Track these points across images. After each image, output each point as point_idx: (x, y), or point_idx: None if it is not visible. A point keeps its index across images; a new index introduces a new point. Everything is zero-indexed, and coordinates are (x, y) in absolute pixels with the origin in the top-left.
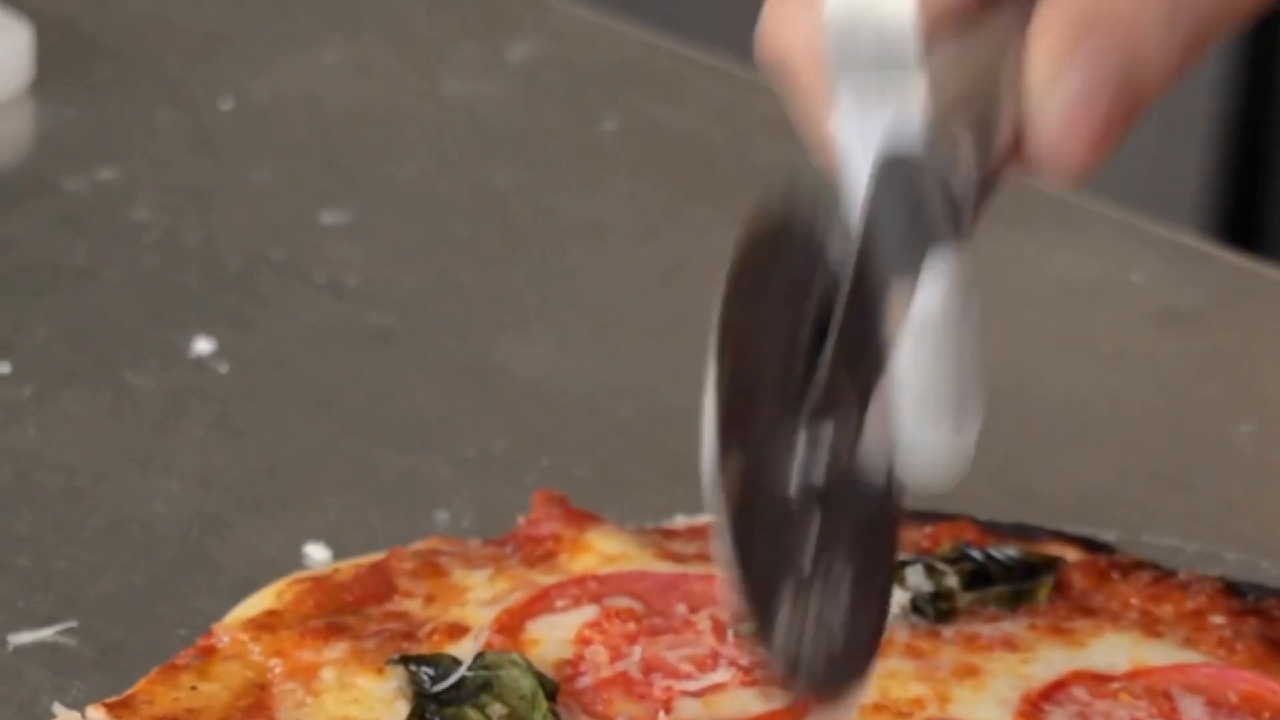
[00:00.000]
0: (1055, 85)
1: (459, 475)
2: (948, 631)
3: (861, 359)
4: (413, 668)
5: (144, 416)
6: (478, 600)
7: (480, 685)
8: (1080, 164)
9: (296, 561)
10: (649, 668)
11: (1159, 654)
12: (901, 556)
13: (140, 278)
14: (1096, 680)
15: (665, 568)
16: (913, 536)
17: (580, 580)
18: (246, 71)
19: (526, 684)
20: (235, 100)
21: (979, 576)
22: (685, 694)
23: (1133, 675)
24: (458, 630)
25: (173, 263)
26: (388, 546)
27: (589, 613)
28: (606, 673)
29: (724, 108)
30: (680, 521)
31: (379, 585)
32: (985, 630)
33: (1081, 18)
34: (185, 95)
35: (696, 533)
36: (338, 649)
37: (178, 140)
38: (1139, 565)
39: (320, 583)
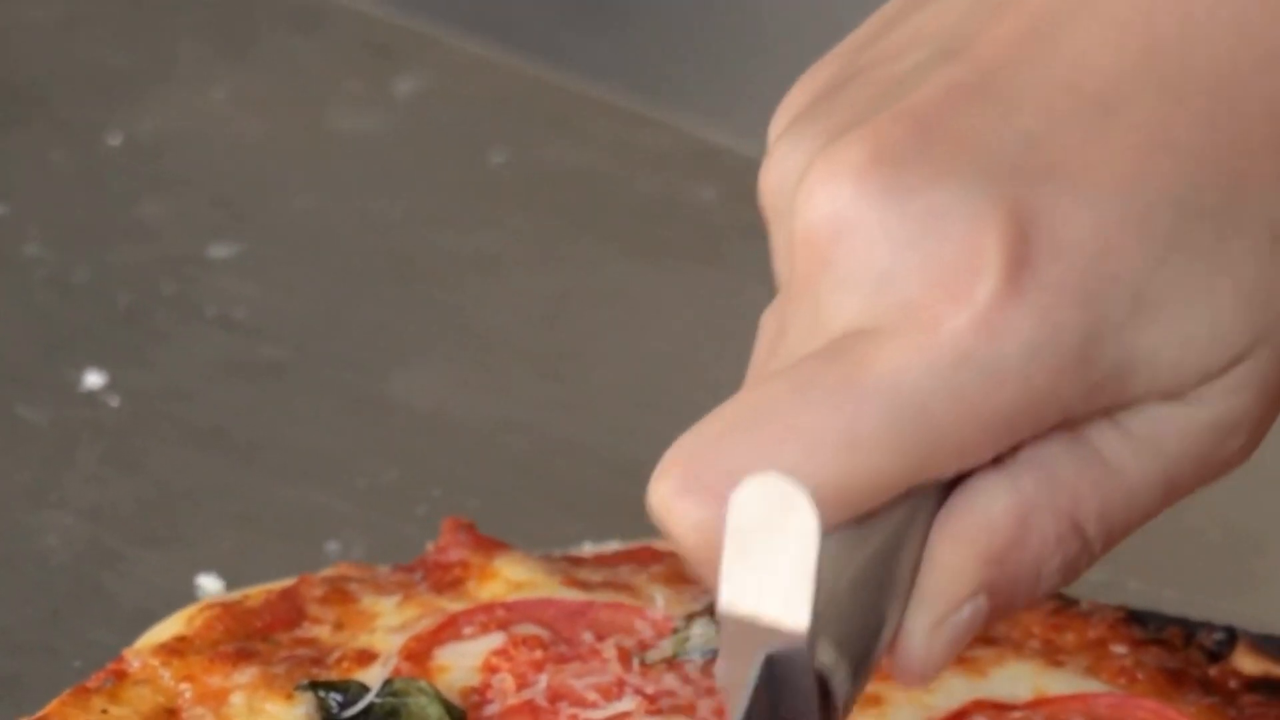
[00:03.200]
0: (941, 623)
1: (350, 507)
2: None
3: None
4: (321, 694)
5: (36, 451)
6: (386, 627)
7: (388, 712)
8: (931, 678)
9: (190, 592)
10: (555, 696)
11: (1060, 683)
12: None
13: (31, 313)
14: (998, 709)
15: (572, 595)
16: None
17: (488, 607)
18: (135, 107)
19: (434, 711)
20: (124, 135)
21: None
22: None
23: (1034, 704)
24: (366, 657)
25: (63, 297)
26: (280, 577)
27: (496, 640)
28: (513, 700)
29: (612, 142)
30: (588, 549)
31: (288, 611)
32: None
33: (988, 556)
34: (74, 131)
35: (603, 560)
36: (247, 674)
37: (67, 176)
38: None
39: (230, 608)
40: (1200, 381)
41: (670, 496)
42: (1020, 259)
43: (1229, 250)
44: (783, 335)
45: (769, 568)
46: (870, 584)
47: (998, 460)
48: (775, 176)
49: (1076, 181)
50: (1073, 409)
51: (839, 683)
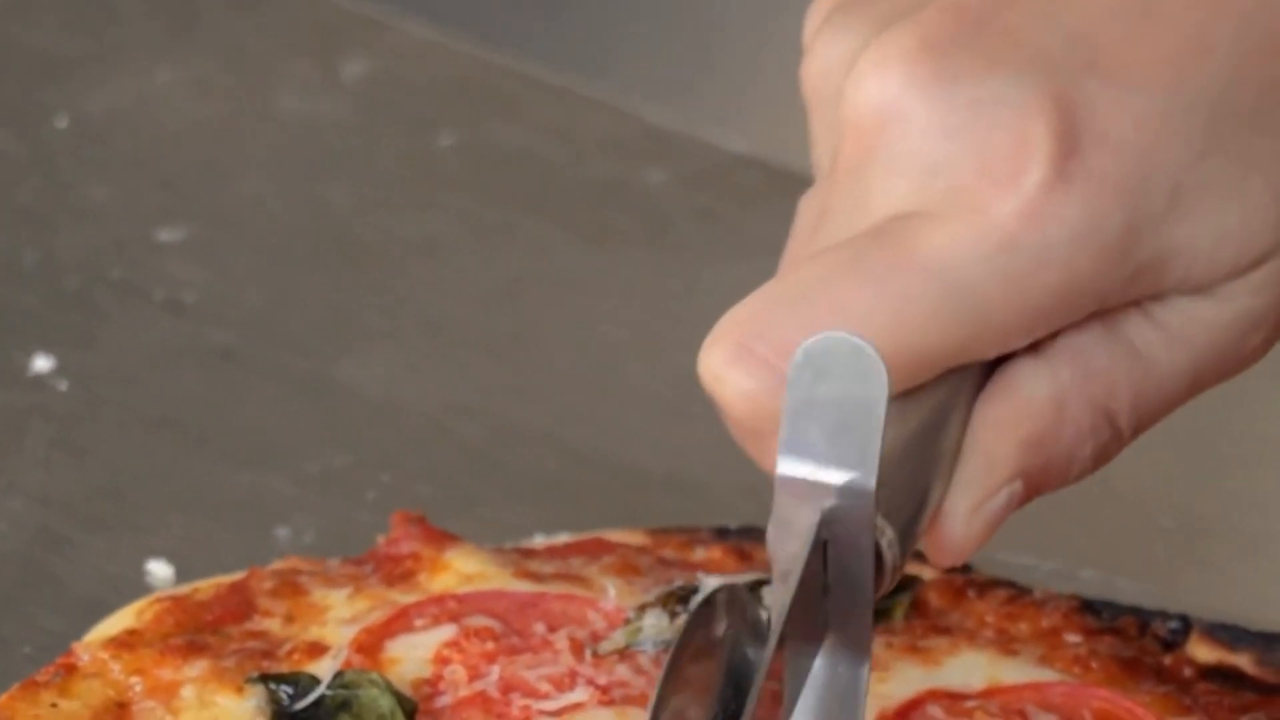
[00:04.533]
0: (980, 506)
1: (301, 492)
2: None
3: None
4: (272, 686)
5: None
6: (337, 619)
7: (339, 704)
8: (966, 559)
9: (140, 578)
10: (507, 687)
11: (1014, 672)
12: (759, 575)
13: None
14: (952, 699)
15: (524, 587)
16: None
17: (439, 599)
18: (81, 90)
19: (385, 703)
20: (70, 119)
21: None
22: (543, 713)
23: (988, 694)
24: (317, 649)
25: (10, 281)
26: (230, 563)
27: (448, 632)
28: (465, 692)
29: (561, 125)
30: (539, 541)
31: (239, 604)
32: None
33: (1026, 442)
34: (19, 114)
35: (555, 552)
36: (198, 667)
37: (13, 160)
38: (995, 584)
39: (180, 602)
40: (1230, 276)
41: (721, 366)
42: (1068, 149)
43: (1261, 150)
44: (825, 218)
45: (833, 426)
46: (913, 459)
47: (1035, 347)
48: (820, 63)
49: (1120, 78)
50: (1110, 298)
51: (888, 548)
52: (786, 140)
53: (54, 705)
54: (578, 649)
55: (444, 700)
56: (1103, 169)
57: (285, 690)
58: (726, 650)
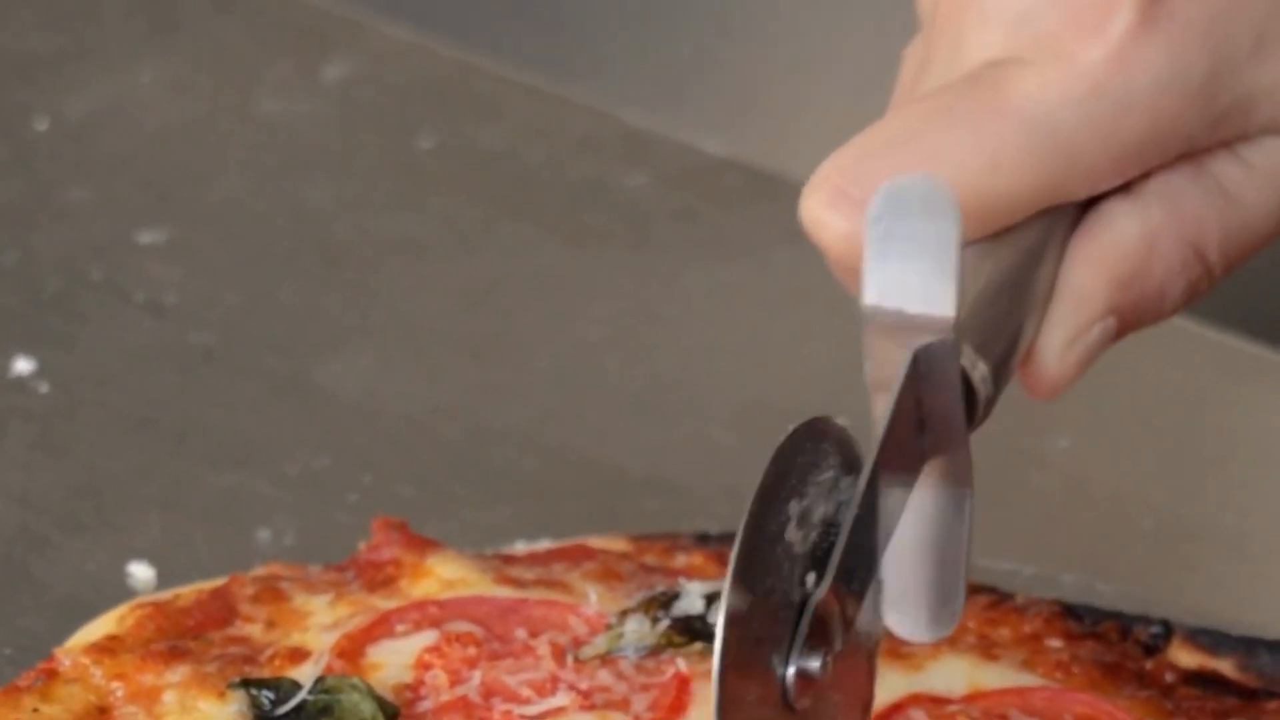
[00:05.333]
0: (1073, 341)
1: (281, 493)
2: None
3: (870, 545)
4: (254, 691)
5: None
6: (318, 625)
7: (321, 709)
8: (1062, 392)
9: (121, 580)
10: (489, 692)
11: (996, 677)
12: None
13: None
14: (935, 703)
15: (505, 593)
16: None
17: (420, 605)
18: (61, 91)
19: (367, 708)
20: (50, 120)
21: None
22: (525, 718)
23: (970, 698)
24: (299, 654)
25: None
26: (211, 564)
27: (429, 637)
28: (446, 697)
29: (539, 126)
30: (520, 547)
31: (220, 610)
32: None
33: (1119, 279)
34: (0, 116)
35: (536, 558)
36: (179, 672)
37: None
38: (977, 589)
39: (161, 608)
40: None
41: (819, 209)
42: None
43: None
44: (925, 67)
45: (913, 264)
46: (1006, 296)
47: (1126, 188)
48: None
49: None
50: (1196, 140)
51: (980, 381)
52: (765, 142)
53: (35, 710)
54: (559, 654)
55: (425, 705)
56: (1187, 14)
57: (267, 695)
58: (826, 475)
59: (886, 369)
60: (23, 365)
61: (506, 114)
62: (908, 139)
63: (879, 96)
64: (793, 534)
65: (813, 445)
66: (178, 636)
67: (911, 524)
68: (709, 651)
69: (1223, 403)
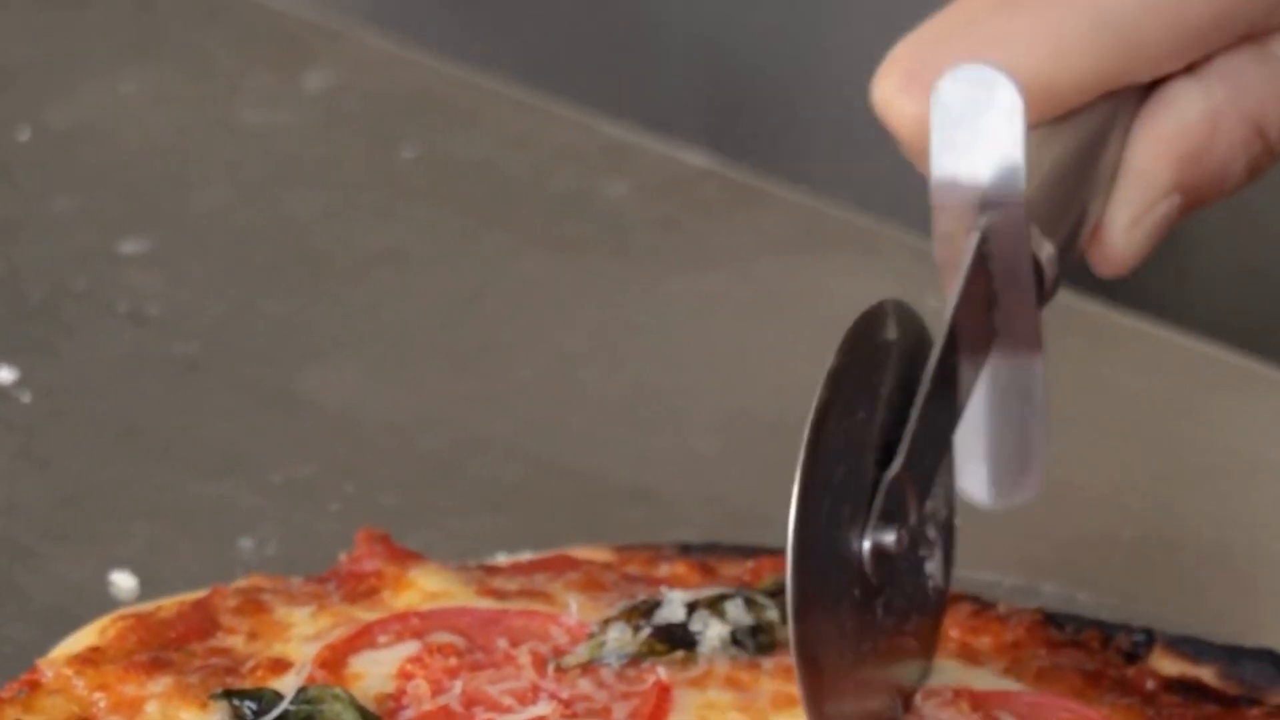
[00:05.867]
0: (1139, 219)
1: (264, 503)
2: (767, 663)
3: (942, 422)
4: (236, 702)
5: None
6: (300, 636)
7: (303, 719)
8: (1130, 270)
9: (104, 589)
10: (470, 701)
11: (980, 680)
12: (723, 590)
13: None
14: (926, 693)
15: (487, 604)
16: (734, 570)
17: (402, 616)
18: (43, 102)
19: (349, 717)
20: (32, 131)
21: None
22: None
23: (959, 693)
24: (280, 665)
25: None
26: (195, 572)
27: (411, 648)
28: (428, 706)
29: (520, 136)
30: (503, 558)
31: (202, 622)
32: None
33: (1182, 157)
34: None
35: (519, 568)
36: (162, 683)
37: None
38: (959, 597)
39: (143, 619)
40: None
41: (891, 94)
42: None
43: None
44: None
45: (980, 146)
46: (1071, 179)
47: (1190, 69)
48: None
49: None
50: (1258, 22)
51: (1047, 260)
52: (745, 152)
53: None
54: (540, 664)
55: (407, 715)
56: None
57: (249, 706)
58: (895, 357)
59: (954, 249)
60: (5, 375)
61: (488, 124)
62: (974, 25)
63: (861, 105)
64: (864, 414)
65: (882, 328)
66: (160, 648)
67: (986, 397)
68: (690, 659)
69: (1204, 413)
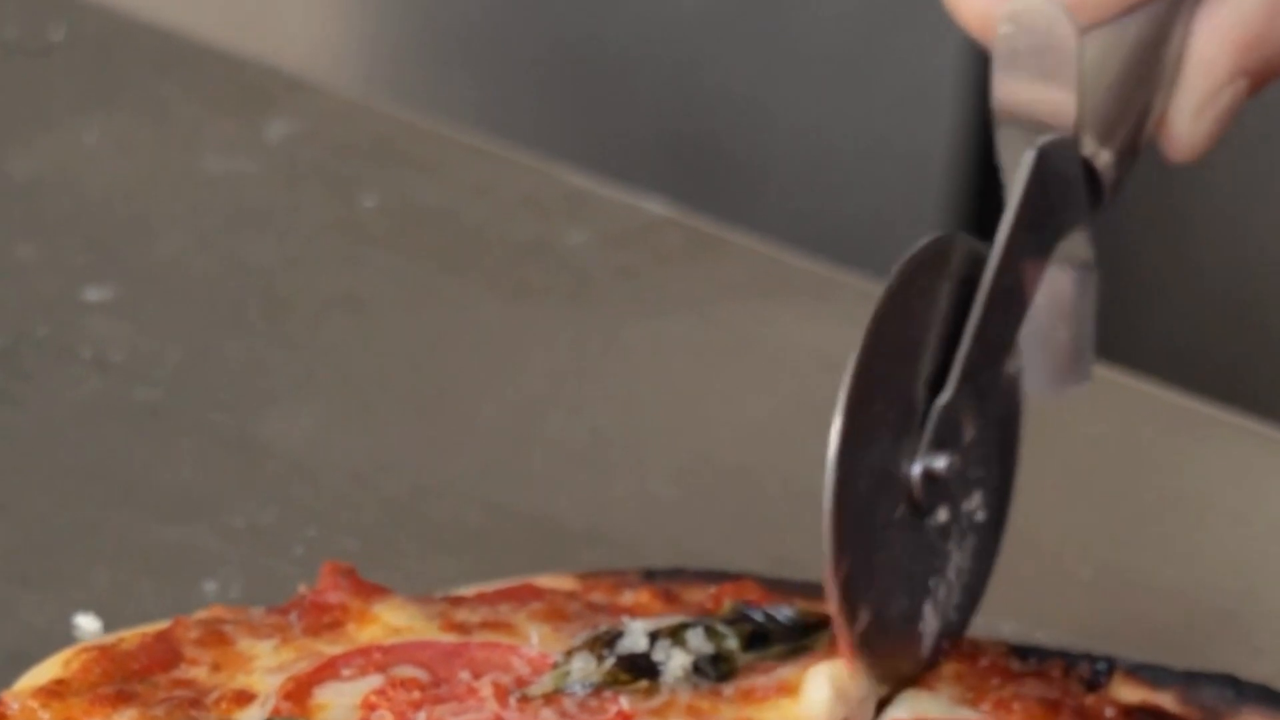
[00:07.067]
0: (1204, 107)
1: (227, 546)
2: (728, 689)
3: (1001, 336)
4: None
5: None
6: (264, 668)
7: None
8: (1201, 155)
9: (67, 632)
10: None
11: (939, 709)
12: (684, 619)
13: None
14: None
15: (449, 638)
16: (696, 597)
17: (365, 650)
18: (6, 151)
19: None
20: None
21: (758, 636)
22: None
23: None
24: (245, 697)
25: None
26: (158, 616)
27: (375, 681)
28: None
29: (480, 184)
30: (470, 589)
31: (165, 653)
32: (762, 681)
33: (1243, 43)
34: None
35: (484, 598)
36: (127, 715)
37: None
38: None
39: (106, 651)
40: None
41: None
42: None
43: None
44: None
45: (1035, 75)
46: (1133, 80)
47: None
48: None
49: None
50: None
51: (1104, 168)
52: (704, 200)
53: None
54: (502, 695)
55: None
56: None
57: None
58: (954, 273)
59: (1012, 159)
60: None
61: (448, 173)
62: None
63: (816, 155)
64: (915, 338)
65: (935, 254)
66: (124, 679)
67: (1040, 299)
68: (653, 689)
69: (1160, 456)
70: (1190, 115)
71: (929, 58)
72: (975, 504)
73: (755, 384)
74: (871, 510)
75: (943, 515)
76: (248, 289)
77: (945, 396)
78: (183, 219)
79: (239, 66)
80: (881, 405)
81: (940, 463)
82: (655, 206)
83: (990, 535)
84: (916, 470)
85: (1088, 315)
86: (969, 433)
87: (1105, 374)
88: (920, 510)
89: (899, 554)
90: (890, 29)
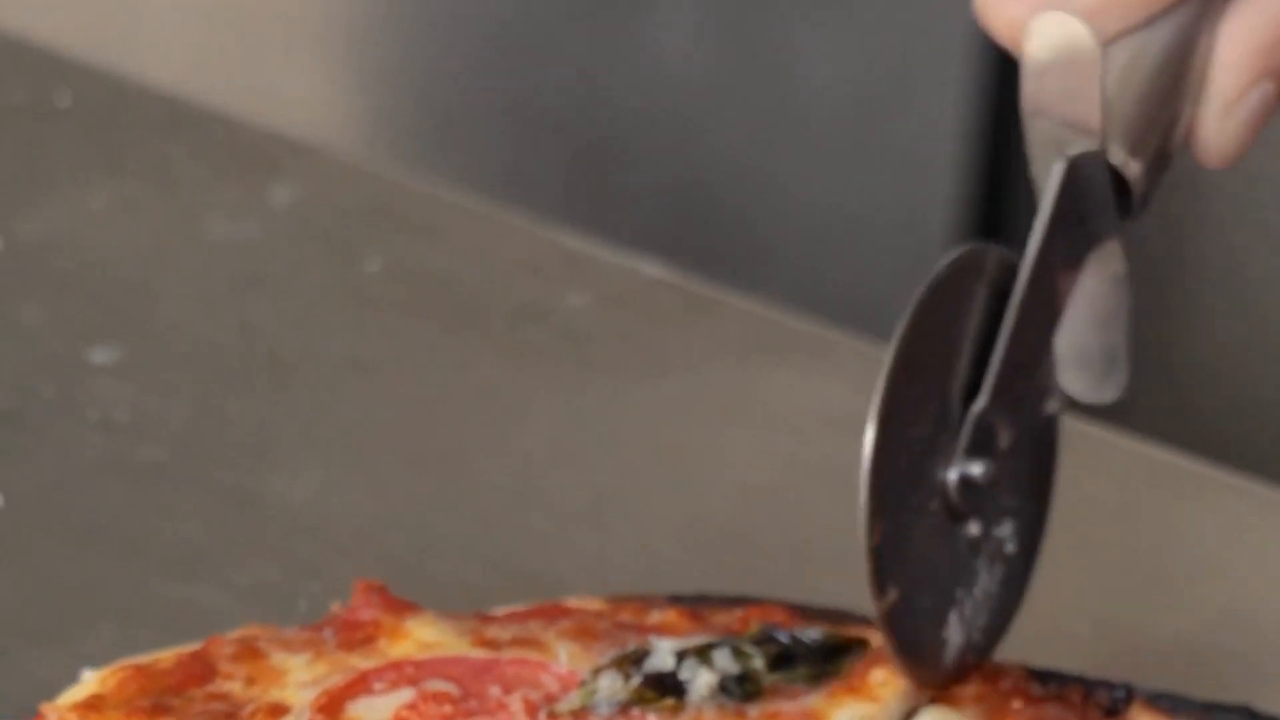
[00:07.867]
0: (1232, 110)
1: (233, 603)
2: (753, 710)
3: (1034, 345)
4: None
5: None
6: (297, 682)
7: None
8: (1233, 160)
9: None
10: None
11: None
12: (710, 639)
13: None
14: None
15: (480, 654)
16: (723, 619)
17: (397, 665)
18: (14, 213)
19: None
20: (4, 242)
21: (784, 658)
22: None
23: None
24: (279, 710)
25: None
26: None
27: (406, 695)
28: None
29: (482, 248)
30: (500, 608)
31: (200, 669)
32: (787, 706)
33: (1267, 46)
34: None
35: (514, 617)
36: None
37: None
38: None
39: (142, 669)
40: None
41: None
42: None
43: None
44: None
45: (1062, 91)
46: (1157, 89)
47: None
48: None
49: None
50: None
51: (1134, 177)
52: (701, 263)
53: None
54: (532, 710)
55: None
56: None
57: None
58: (988, 283)
59: (1044, 172)
60: None
61: (450, 237)
62: None
63: (813, 217)
64: (949, 345)
65: (968, 263)
66: (160, 694)
67: (1073, 308)
68: (679, 707)
69: (1157, 515)
70: (1218, 120)
71: (929, 123)
72: (1006, 533)
73: (754, 444)
74: (907, 492)
75: (974, 529)
76: (252, 350)
77: (980, 404)
78: (188, 282)
79: (243, 132)
80: (920, 399)
81: (976, 469)
82: (653, 269)
83: (1019, 570)
84: (953, 476)
85: (1121, 327)
86: (1004, 442)
87: (1100, 435)
88: (954, 514)
89: (930, 549)
90: (890, 94)
